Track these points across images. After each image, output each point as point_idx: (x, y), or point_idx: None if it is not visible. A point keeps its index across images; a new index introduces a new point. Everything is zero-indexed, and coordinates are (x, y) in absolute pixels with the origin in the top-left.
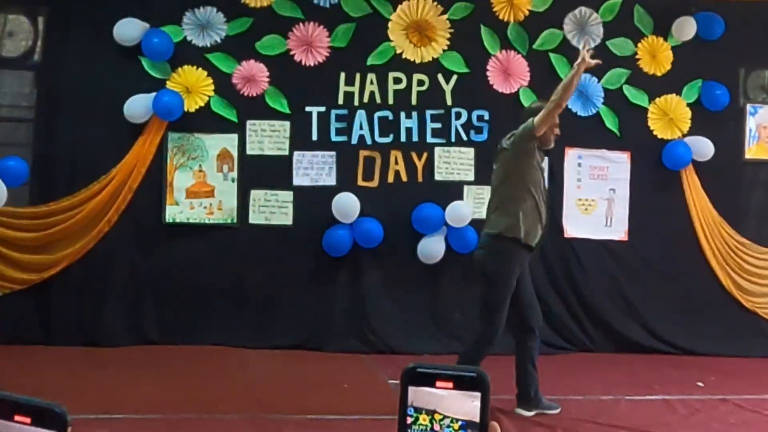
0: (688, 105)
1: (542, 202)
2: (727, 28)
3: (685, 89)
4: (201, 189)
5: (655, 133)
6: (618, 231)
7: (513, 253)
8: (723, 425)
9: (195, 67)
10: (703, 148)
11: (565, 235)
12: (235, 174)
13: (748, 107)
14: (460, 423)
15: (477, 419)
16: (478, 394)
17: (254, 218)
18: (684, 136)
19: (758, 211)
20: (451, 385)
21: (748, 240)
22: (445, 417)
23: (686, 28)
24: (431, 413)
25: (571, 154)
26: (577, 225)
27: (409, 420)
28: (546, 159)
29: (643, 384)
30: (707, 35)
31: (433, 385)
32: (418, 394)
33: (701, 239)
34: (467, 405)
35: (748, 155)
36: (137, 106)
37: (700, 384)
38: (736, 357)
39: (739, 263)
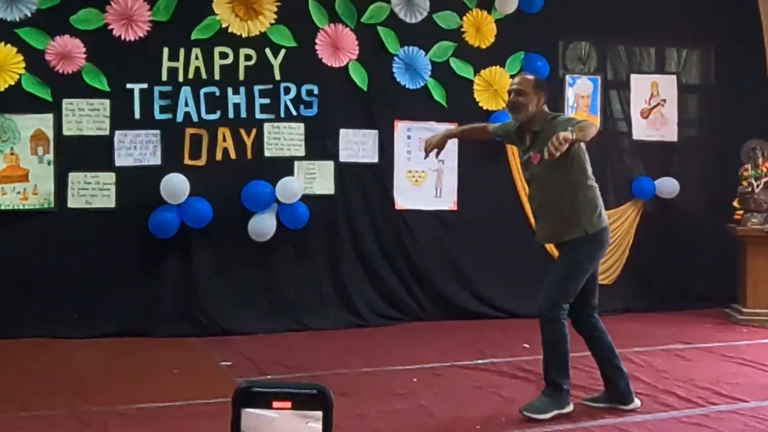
0: (511, 77)
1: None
2: (546, 1)
3: (509, 61)
4: (14, 173)
5: (480, 104)
6: (447, 201)
7: None
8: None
9: (3, 43)
10: None
11: (397, 207)
12: (51, 156)
13: (568, 78)
14: None
15: None
16: (320, 414)
17: (74, 202)
18: None
19: None
20: (289, 404)
21: None
22: None
23: (508, 1)
24: None
25: (401, 127)
26: (407, 196)
27: None
28: (376, 132)
29: (472, 349)
30: (528, 8)
31: (269, 406)
32: (248, 418)
33: (527, 206)
34: (302, 427)
35: None
36: None
37: (526, 345)
38: None
39: None
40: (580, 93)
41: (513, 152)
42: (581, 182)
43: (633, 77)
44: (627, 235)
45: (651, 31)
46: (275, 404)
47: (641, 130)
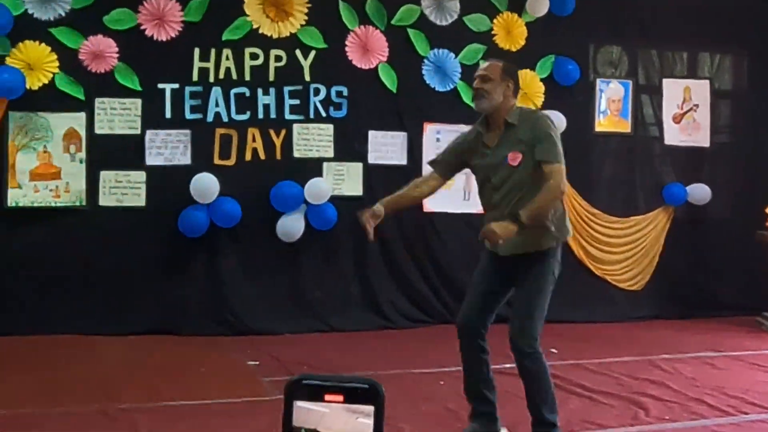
0: (542, 80)
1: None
2: (577, 4)
3: (539, 64)
4: (46, 171)
5: None
6: (476, 204)
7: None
8: (577, 387)
9: (38, 42)
10: (556, 121)
11: (425, 210)
12: (83, 154)
13: (598, 82)
14: None
15: None
16: (372, 409)
17: (105, 200)
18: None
19: (607, 182)
20: (341, 398)
21: (598, 210)
22: None
23: (539, 4)
24: None
25: (430, 129)
26: (436, 199)
27: None
28: (405, 134)
29: (499, 353)
30: (559, 11)
31: (321, 400)
32: (299, 411)
33: None
34: (351, 422)
35: (598, 128)
36: None
37: (553, 350)
38: (585, 323)
39: (590, 233)
40: (612, 97)
41: None
42: None
43: (665, 82)
44: (657, 241)
45: (683, 36)
46: (327, 397)
47: (673, 136)
